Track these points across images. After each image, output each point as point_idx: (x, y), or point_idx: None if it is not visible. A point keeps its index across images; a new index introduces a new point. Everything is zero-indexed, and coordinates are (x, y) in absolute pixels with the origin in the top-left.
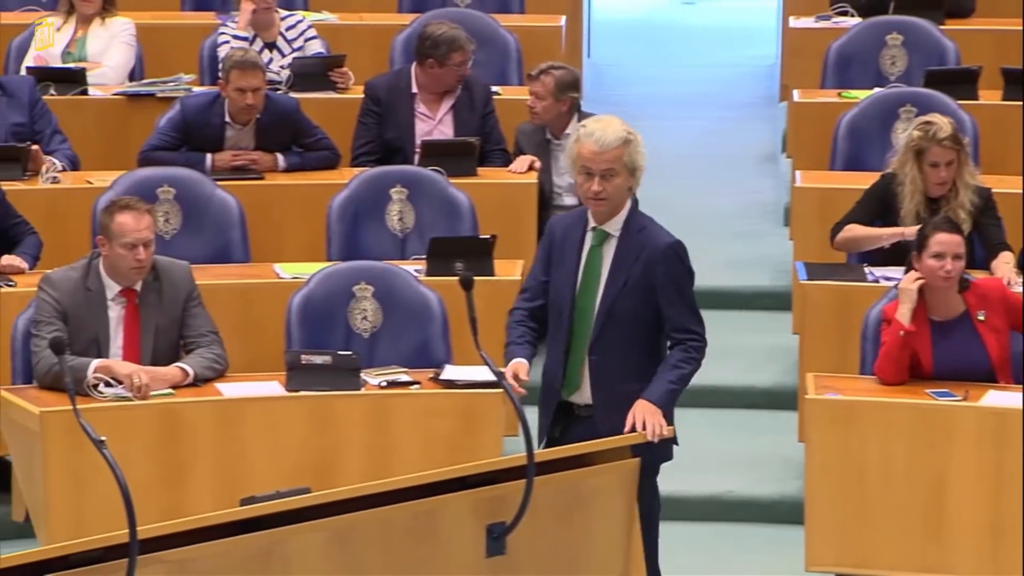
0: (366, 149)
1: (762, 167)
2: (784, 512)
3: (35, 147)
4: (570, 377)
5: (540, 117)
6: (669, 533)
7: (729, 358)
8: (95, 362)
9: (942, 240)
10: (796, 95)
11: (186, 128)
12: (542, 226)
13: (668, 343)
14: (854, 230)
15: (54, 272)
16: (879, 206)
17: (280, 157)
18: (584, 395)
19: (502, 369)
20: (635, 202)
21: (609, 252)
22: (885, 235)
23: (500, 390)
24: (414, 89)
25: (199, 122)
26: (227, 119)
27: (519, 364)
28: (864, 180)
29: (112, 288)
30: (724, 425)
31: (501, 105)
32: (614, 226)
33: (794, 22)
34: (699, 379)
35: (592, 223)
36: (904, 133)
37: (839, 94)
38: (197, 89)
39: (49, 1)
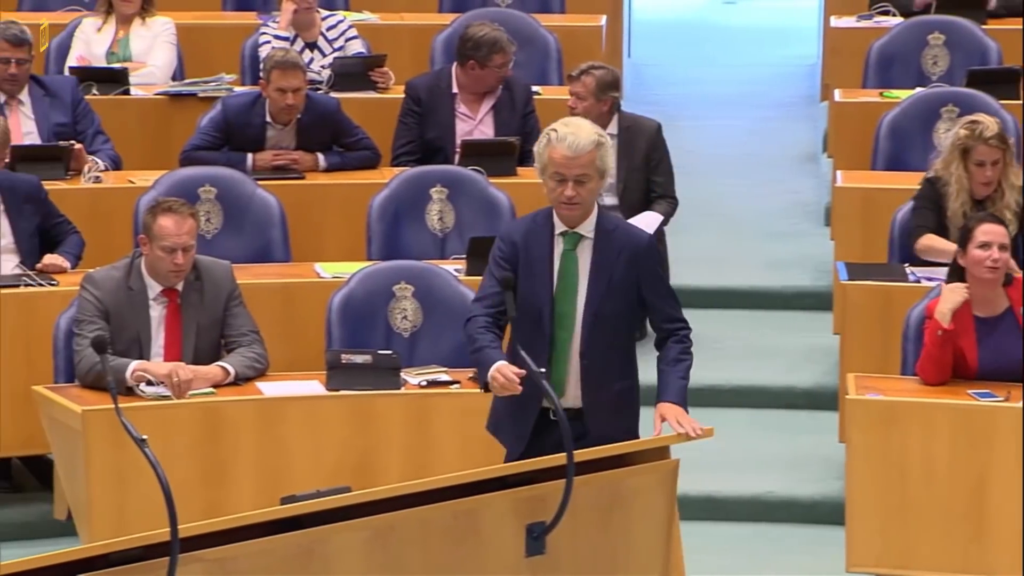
0: (407, 149)
1: (803, 167)
2: (825, 513)
3: (78, 146)
4: (555, 383)
5: (581, 117)
6: (709, 533)
7: (769, 358)
8: (133, 364)
9: (988, 230)
10: (837, 95)
11: (227, 128)
12: None
13: (658, 335)
14: (933, 240)
15: (96, 271)
16: (934, 211)
17: (321, 157)
18: (569, 399)
19: (542, 371)
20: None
21: (585, 254)
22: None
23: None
24: (455, 89)
25: (240, 122)
26: (268, 119)
27: (506, 365)
28: (905, 180)
29: (154, 288)
30: (764, 425)
31: (541, 105)
32: (587, 228)
33: (835, 21)
34: (739, 379)
35: (561, 227)
36: (947, 133)
37: (880, 94)
38: (238, 89)
39: (91, 1)
